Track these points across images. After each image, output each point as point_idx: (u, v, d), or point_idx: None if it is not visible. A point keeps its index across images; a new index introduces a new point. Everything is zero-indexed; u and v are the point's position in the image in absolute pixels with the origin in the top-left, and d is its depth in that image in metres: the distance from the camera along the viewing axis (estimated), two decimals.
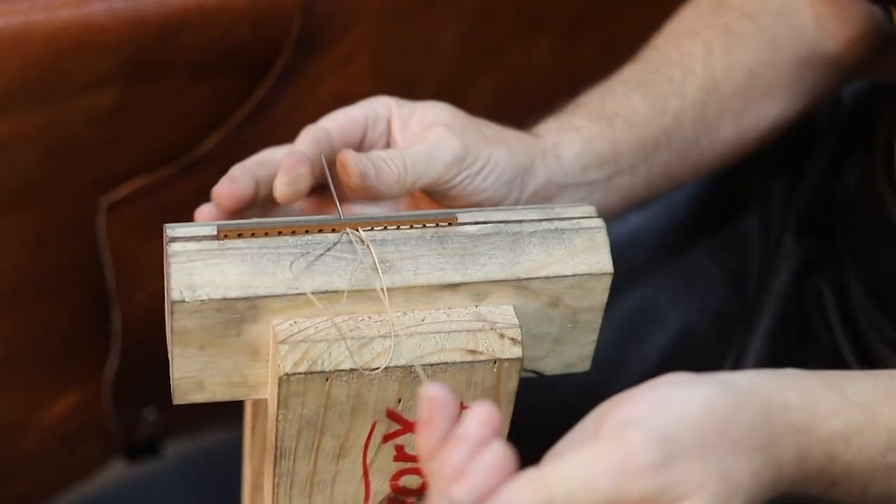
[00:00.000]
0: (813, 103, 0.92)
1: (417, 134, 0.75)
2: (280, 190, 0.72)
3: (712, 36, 0.88)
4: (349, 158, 0.71)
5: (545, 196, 0.79)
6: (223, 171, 1.03)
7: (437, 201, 0.76)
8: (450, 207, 0.75)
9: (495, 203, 0.76)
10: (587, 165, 0.81)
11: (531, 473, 0.58)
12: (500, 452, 0.57)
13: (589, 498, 0.58)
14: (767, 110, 0.89)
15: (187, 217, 0.74)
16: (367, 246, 0.67)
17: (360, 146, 0.76)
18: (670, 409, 0.61)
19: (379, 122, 0.76)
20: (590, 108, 0.84)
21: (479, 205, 0.75)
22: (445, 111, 0.76)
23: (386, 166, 0.72)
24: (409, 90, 1.09)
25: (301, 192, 0.72)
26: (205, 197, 1.03)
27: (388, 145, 0.77)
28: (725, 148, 0.89)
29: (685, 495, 0.59)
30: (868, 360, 0.88)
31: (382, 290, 0.67)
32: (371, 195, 0.72)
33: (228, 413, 1.12)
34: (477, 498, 0.57)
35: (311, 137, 0.74)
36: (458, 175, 0.74)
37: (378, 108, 0.76)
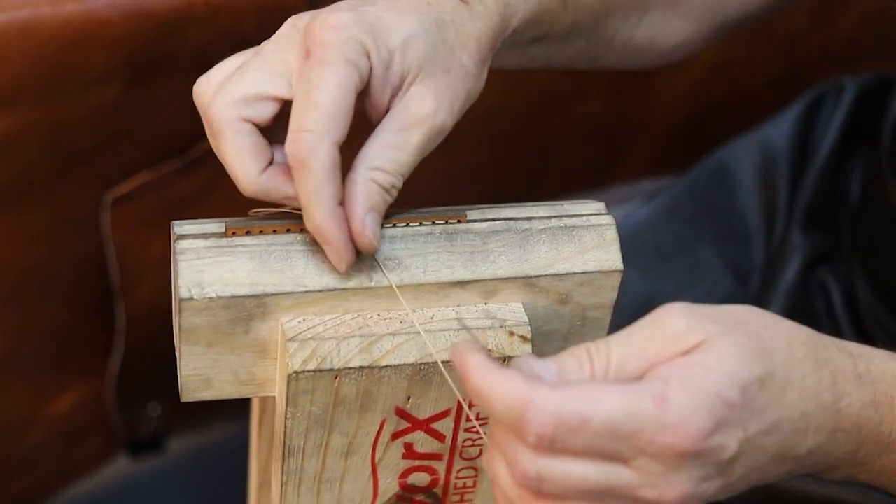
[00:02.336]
0: (729, 32, 0.89)
1: (397, 96, 0.66)
2: (344, 269, 0.66)
3: None
4: (366, 241, 0.65)
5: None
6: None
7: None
8: None
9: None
10: (525, 29, 0.74)
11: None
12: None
13: (623, 346, 0.58)
14: (683, 29, 0.84)
15: (192, 212, 0.73)
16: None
17: None
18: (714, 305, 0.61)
19: (361, 87, 0.65)
20: None
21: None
22: (424, 47, 0.66)
23: (389, 198, 0.66)
24: None
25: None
26: (210, 192, 1.03)
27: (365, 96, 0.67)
28: (628, 52, 0.85)
29: (714, 336, 0.57)
30: None
31: (394, 287, 0.66)
32: None
33: (231, 409, 1.12)
34: None
35: (332, 179, 0.64)
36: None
37: (363, 72, 0.64)
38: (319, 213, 0.63)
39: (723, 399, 0.56)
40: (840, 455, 0.61)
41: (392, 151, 0.65)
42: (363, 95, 0.66)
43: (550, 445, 0.56)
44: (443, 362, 0.66)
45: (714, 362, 0.57)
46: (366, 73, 0.64)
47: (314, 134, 0.62)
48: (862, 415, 0.61)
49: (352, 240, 0.65)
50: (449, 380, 0.65)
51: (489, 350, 0.66)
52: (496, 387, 0.56)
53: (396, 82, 0.66)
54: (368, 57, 0.64)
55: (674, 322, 0.58)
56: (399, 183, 0.66)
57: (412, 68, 0.66)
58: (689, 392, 0.56)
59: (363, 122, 0.67)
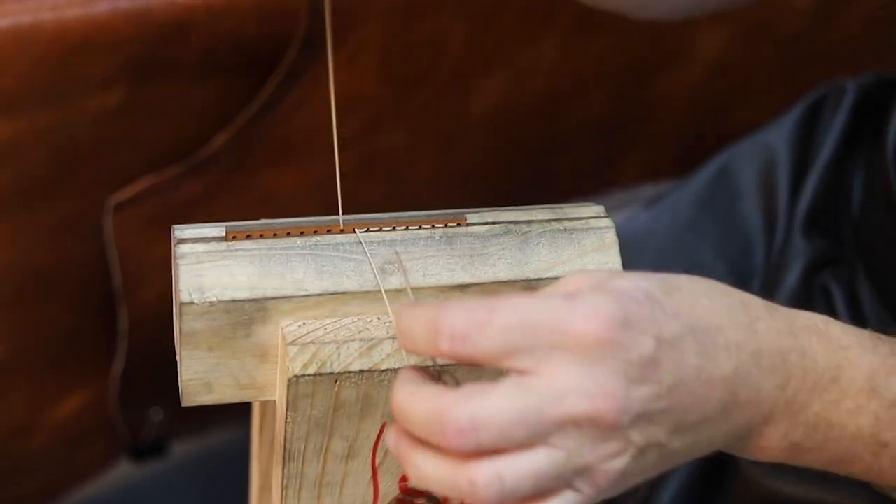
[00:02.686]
0: None
1: None
2: None
3: None
4: None
5: None
6: (230, 169, 1.03)
7: None
8: None
9: None
10: None
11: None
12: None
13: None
14: None
15: (195, 216, 0.74)
16: (364, 249, 0.67)
17: None
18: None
19: None
20: None
21: None
22: None
23: None
24: (416, 89, 1.09)
25: None
26: (213, 196, 1.03)
27: None
28: None
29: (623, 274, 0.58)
30: None
31: (396, 289, 0.66)
32: None
33: (234, 413, 1.12)
34: None
35: None
36: None
37: None
38: None
39: (630, 296, 0.56)
40: (770, 390, 0.60)
41: None
42: None
43: (463, 342, 0.55)
44: (442, 366, 0.66)
45: (619, 274, 0.58)
46: None
47: None
48: (782, 342, 0.60)
49: None
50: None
51: None
52: (410, 324, 0.58)
53: None
54: None
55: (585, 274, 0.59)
56: None
57: None
58: (596, 291, 0.56)
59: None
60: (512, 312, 0.55)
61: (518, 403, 0.55)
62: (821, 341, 0.61)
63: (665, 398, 0.57)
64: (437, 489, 0.57)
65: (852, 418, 0.62)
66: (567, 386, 0.55)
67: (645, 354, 0.56)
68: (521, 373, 0.55)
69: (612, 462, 0.56)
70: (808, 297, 0.92)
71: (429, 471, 0.57)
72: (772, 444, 0.61)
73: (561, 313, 0.55)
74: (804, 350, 0.61)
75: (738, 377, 0.59)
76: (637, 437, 0.56)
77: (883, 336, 0.64)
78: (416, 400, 0.57)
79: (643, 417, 0.56)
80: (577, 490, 0.57)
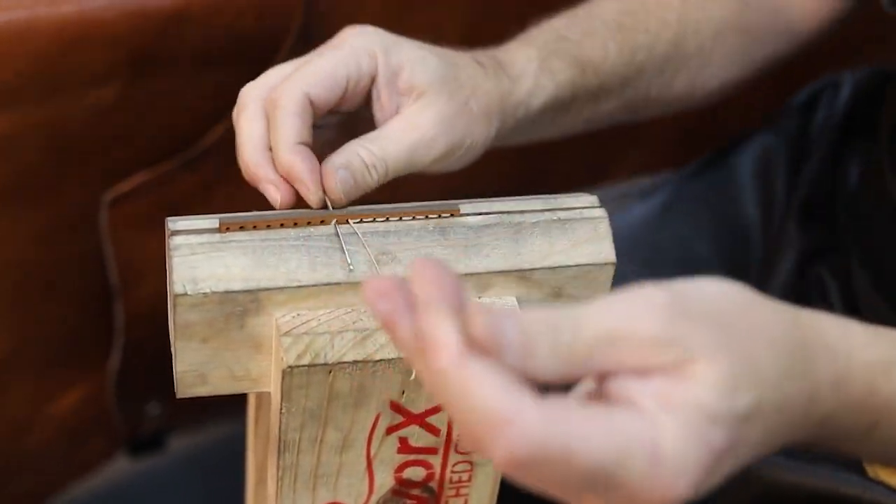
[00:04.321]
0: (764, 72, 0.93)
1: (404, 104, 0.72)
2: (316, 202, 0.69)
3: None
4: (333, 184, 0.69)
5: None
6: (226, 164, 1.03)
7: None
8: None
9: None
10: (546, 109, 0.81)
11: (547, 309, 0.52)
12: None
13: (593, 329, 0.51)
14: (720, 74, 0.90)
15: (191, 211, 0.74)
16: (358, 239, 0.67)
17: (338, 104, 0.72)
18: (694, 288, 0.54)
19: (362, 80, 0.72)
20: (569, 49, 0.82)
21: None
22: (435, 72, 0.72)
23: (368, 175, 0.70)
24: None
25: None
26: (208, 191, 1.03)
27: (367, 101, 0.73)
28: (669, 104, 0.90)
29: (697, 356, 0.52)
30: None
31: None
32: None
33: (231, 407, 1.12)
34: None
35: (297, 118, 0.69)
36: (439, 165, 0.74)
37: (363, 64, 0.71)
38: (283, 147, 0.69)
39: (713, 450, 0.52)
40: (800, 442, 0.59)
41: (383, 140, 0.71)
42: (372, 101, 0.73)
43: (517, 468, 0.50)
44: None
45: (701, 396, 0.52)
46: (366, 69, 0.71)
47: (293, 81, 0.69)
48: (833, 416, 0.58)
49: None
50: None
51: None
52: (466, 386, 0.48)
53: (404, 90, 0.72)
54: (375, 60, 0.71)
55: (652, 324, 0.52)
56: (381, 169, 0.70)
57: (419, 84, 0.72)
58: (679, 443, 0.51)
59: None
60: (589, 463, 0.50)
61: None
62: (869, 405, 0.59)
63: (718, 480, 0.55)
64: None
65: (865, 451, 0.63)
66: None
67: (717, 475, 0.54)
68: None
69: None
70: (802, 287, 0.92)
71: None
72: None
73: (638, 476, 0.50)
74: (851, 421, 0.59)
75: (777, 448, 0.58)
76: None
77: None
78: (469, 387, 0.49)
79: None
80: None
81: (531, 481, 0.51)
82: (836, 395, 0.58)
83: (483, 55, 0.78)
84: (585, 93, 0.82)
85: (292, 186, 0.69)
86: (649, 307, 0.52)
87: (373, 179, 0.70)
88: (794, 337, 0.56)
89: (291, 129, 0.69)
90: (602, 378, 0.52)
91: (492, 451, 0.49)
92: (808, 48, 0.95)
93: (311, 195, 0.69)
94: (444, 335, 0.49)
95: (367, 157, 0.70)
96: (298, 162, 0.69)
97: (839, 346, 0.58)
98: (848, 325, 0.59)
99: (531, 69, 0.80)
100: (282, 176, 0.70)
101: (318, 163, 0.69)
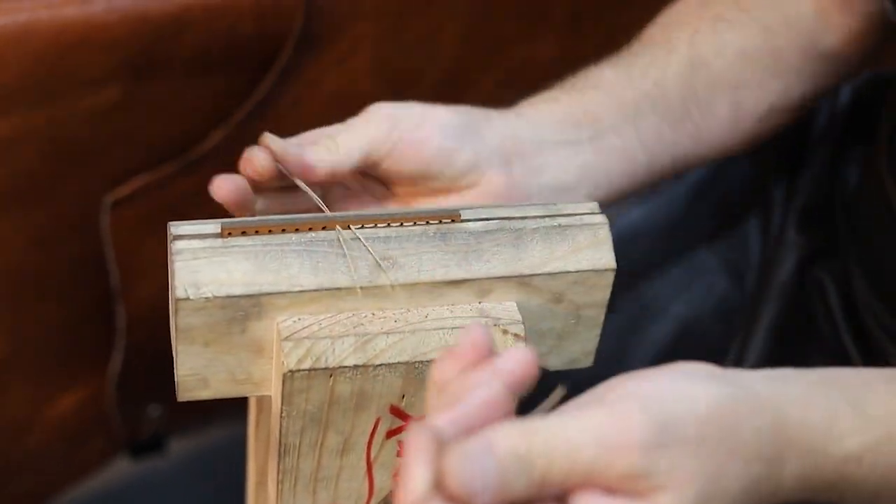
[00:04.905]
0: (814, 94, 0.92)
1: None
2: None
3: (701, 23, 0.88)
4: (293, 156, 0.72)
5: (518, 152, 0.78)
6: (226, 167, 1.03)
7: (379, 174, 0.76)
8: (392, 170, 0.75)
9: (448, 156, 0.75)
10: (562, 123, 0.80)
11: (522, 422, 0.54)
12: (498, 392, 0.54)
13: (569, 461, 0.53)
14: (766, 93, 0.89)
15: (191, 213, 0.74)
16: (364, 245, 0.68)
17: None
18: (678, 398, 0.57)
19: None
20: (561, 86, 0.83)
21: (428, 161, 0.75)
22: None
23: (320, 148, 0.73)
24: (410, 87, 1.09)
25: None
26: (207, 193, 1.03)
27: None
28: (722, 125, 0.88)
29: (667, 485, 0.54)
30: (871, 352, 0.88)
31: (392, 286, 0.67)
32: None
33: (232, 410, 1.12)
34: (459, 429, 0.53)
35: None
36: (393, 134, 0.75)
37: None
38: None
39: None
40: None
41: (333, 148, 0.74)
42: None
43: None
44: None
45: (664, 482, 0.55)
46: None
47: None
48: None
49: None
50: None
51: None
52: None
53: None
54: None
55: (628, 459, 0.54)
56: (332, 147, 0.73)
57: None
58: None
59: None
60: None
61: None
62: (839, 491, 0.62)
63: None
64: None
65: None
66: None
67: None
68: None
69: None
70: (801, 291, 0.93)
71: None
72: None
73: None
74: (834, 485, 0.62)
75: None
76: None
77: None
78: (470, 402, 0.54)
79: None
80: None
81: None
82: (803, 485, 0.60)
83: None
84: (604, 109, 0.83)
85: None
86: (627, 441, 0.54)
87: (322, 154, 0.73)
88: (771, 443, 0.58)
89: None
90: (568, 492, 0.55)
91: None
92: (851, 72, 0.94)
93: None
94: (413, 481, 0.52)
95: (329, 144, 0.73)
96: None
97: (818, 443, 0.60)
98: (837, 417, 0.61)
99: (521, 105, 0.82)
100: None
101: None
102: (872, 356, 0.88)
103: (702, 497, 0.56)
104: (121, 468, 1.25)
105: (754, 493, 0.58)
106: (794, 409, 0.60)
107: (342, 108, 0.79)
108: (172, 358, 0.69)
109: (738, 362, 0.91)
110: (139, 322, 1.08)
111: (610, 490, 0.54)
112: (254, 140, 0.76)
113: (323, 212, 0.71)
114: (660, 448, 0.55)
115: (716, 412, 0.57)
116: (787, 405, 0.60)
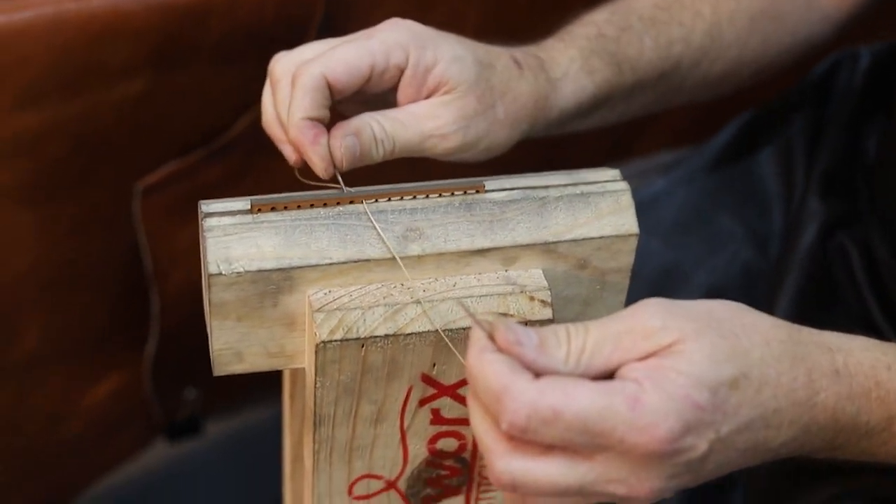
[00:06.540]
0: (799, 58, 0.93)
1: (429, 98, 0.74)
2: (320, 171, 0.72)
3: None
4: (338, 147, 0.71)
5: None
6: (253, 153, 1.04)
7: None
8: None
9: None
10: (582, 108, 0.82)
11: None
12: None
13: (600, 332, 0.59)
14: (756, 61, 0.91)
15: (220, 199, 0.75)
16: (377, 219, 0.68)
17: (361, 88, 0.74)
18: (690, 301, 0.61)
19: (388, 71, 0.73)
20: (608, 46, 0.83)
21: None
22: (469, 72, 0.74)
23: (374, 148, 0.72)
24: None
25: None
26: (237, 179, 1.05)
27: (392, 89, 0.75)
28: (703, 93, 0.91)
29: (686, 338, 0.58)
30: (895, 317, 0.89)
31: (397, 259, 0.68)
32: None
33: (267, 391, 1.14)
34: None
35: (310, 95, 0.72)
36: (451, 156, 0.76)
37: (392, 56, 0.73)
38: (290, 120, 0.72)
39: (692, 402, 0.57)
40: (816, 444, 0.62)
41: (399, 121, 0.73)
42: (398, 90, 0.74)
43: (521, 434, 0.57)
44: (462, 328, 0.67)
45: (685, 365, 0.58)
46: (395, 61, 0.73)
47: (315, 63, 0.71)
48: (838, 407, 0.62)
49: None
50: (457, 354, 0.67)
51: (510, 315, 0.68)
52: (482, 368, 0.58)
53: (433, 86, 0.74)
54: (406, 53, 0.73)
55: (649, 319, 0.59)
56: (388, 147, 0.72)
57: (451, 81, 0.73)
58: (660, 395, 0.57)
59: None
60: (575, 416, 0.56)
61: (561, 479, 0.58)
62: (878, 397, 0.63)
63: (705, 476, 0.60)
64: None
65: (892, 451, 0.65)
66: (613, 476, 0.58)
67: (695, 458, 0.58)
68: (574, 452, 0.58)
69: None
70: (824, 258, 0.93)
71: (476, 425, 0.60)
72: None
73: (621, 422, 0.56)
74: (858, 410, 0.63)
75: (784, 445, 0.61)
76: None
77: None
78: (483, 369, 0.58)
79: (676, 488, 0.60)
80: None
81: (541, 441, 0.57)
82: (837, 387, 0.62)
83: (523, 53, 0.79)
84: (622, 90, 0.84)
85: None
86: (648, 307, 0.60)
87: (377, 154, 0.72)
88: (787, 334, 0.62)
89: (301, 104, 0.71)
90: (611, 376, 0.59)
91: (500, 421, 0.57)
92: (842, 32, 0.95)
93: (315, 167, 0.71)
94: (473, 340, 0.59)
95: (377, 130, 0.72)
96: (300, 135, 0.71)
97: (836, 344, 0.63)
98: (848, 335, 0.64)
99: (573, 70, 0.81)
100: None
101: (325, 136, 0.71)
102: None
103: (724, 350, 0.59)
104: (158, 452, 1.26)
105: (785, 374, 0.60)
106: (805, 328, 0.63)
107: None
108: (206, 341, 0.70)
109: None
110: (173, 307, 1.09)
111: (644, 359, 0.58)
112: None
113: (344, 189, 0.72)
114: (678, 309, 0.60)
115: (731, 305, 0.62)
116: (799, 326, 0.63)
